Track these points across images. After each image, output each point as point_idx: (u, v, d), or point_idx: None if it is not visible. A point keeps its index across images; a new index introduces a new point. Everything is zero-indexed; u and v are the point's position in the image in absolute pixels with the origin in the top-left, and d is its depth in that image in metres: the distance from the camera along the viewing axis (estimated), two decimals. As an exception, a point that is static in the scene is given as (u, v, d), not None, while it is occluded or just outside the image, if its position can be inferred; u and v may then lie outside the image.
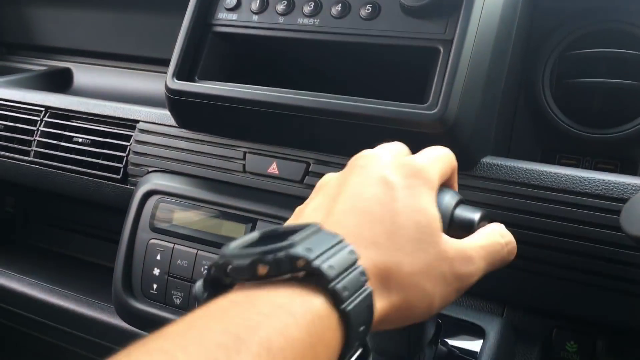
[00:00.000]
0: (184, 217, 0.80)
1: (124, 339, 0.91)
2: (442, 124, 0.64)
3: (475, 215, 0.47)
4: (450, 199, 0.47)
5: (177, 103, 0.79)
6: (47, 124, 0.97)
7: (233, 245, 0.37)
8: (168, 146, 0.86)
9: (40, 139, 0.96)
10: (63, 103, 0.96)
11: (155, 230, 0.81)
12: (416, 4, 0.69)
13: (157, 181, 0.83)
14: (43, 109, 0.98)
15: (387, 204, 0.42)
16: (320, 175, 0.75)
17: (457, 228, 0.46)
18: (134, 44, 1.19)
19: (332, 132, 0.72)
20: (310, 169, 0.76)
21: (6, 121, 1.00)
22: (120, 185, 0.90)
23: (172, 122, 0.86)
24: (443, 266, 0.41)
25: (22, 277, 1.06)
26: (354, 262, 0.36)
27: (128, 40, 1.19)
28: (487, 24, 0.68)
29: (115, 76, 1.21)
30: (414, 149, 0.50)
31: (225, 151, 0.82)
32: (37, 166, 0.96)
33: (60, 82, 1.23)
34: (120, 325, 0.91)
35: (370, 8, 0.72)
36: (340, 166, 0.74)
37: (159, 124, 0.87)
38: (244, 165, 0.80)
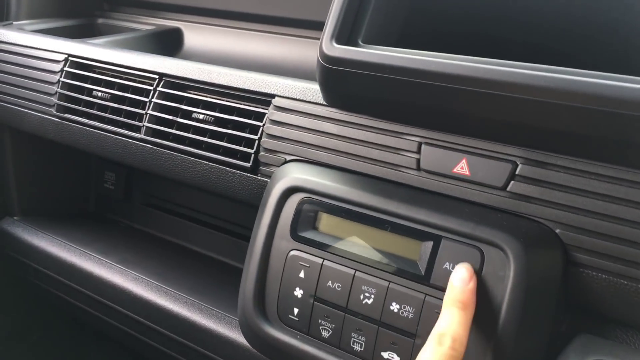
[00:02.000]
0: (339, 226, 0.61)
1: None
2: None
3: None
4: None
5: (334, 75, 0.60)
6: (162, 95, 0.80)
7: None
8: (313, 129, 0.67)
9: (154, 112, 0.80)
10: (180, 70, 0.79)
11: (298, 239, 0.62)
12: None
13: (299, 175, 0.65)
14: (157, 76, 0.81)
15: None
16: (532, 180, 0.54)
17: None
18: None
19: (556, 121, 0.51)
20: (517, 172, 0.55)
21: (113, 89, 0.85)
22: (250, 175, 0.72)
23: (319, 98, 0.67)
24: None
25: (124, 269, 0.92)
26: None
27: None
28: None
29: (232, 38, 1.03)
30: None
31: (393, 140, 0.62)
32: (148, 145, 0.80)
33: (170, 43, 1.07)
34: (242, 343, 0.75)
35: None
36: (561, 169, 0.52)
37: (302, 101, 0.68)
38: (418, 161, 0.60)
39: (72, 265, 0.95)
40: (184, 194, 1.06)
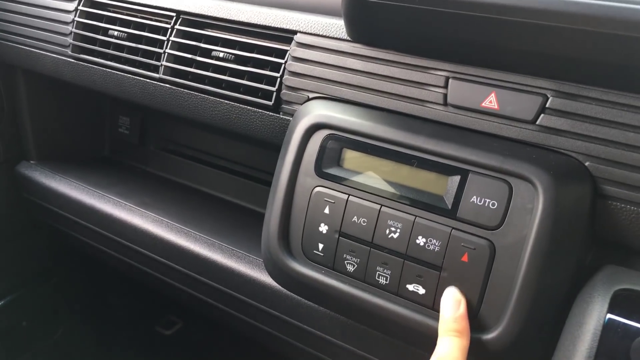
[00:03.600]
0: (364, 162, 0.61)
1: (276, 300, 0.76)
2: None
3: None
4: None
5: (361, 7, 0.58)
6: (180, 34, 0.79)
7: None
8: (337, 66, 0.66)
9: (172, 51, 0.79)
10: (198, 7, 0.78)
11: (323, 175, 0.62)
12: None
13: (323, 112, 0.64)
14: (174, 14, 0.80)
15: None
16: (562, 113, 0.54)
17: None
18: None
19: (587, 50, 0.50)
20: (547, 105, 0.54)
21: (129, 28, 0.83)
22: (272, 114, 0.71)
23: (343, 33, 0.66)
24: None
25: (144, 211, 0.92)
26: None
27: None
28: None
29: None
30: None
31: (419, 75, 0.61)
32: (167, 85, 0.80)
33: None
34: (264, 281, 0.76)
35: None
36: (592, 101, 0.52)
37: (324, 37, 0.67)
38: (444, 96, 0.59)
39: (91, 208, 0.96)
40: (200, 138, 1.05)
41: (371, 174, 0.60)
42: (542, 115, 0.55)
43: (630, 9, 0.45)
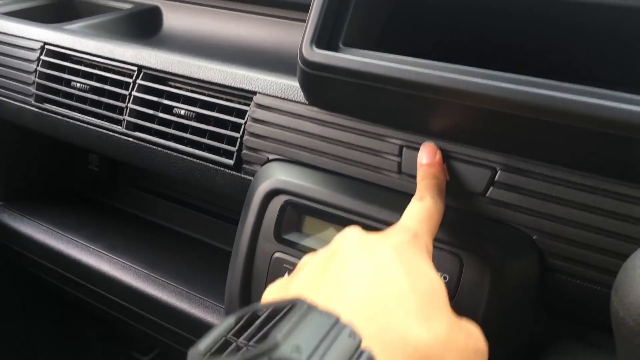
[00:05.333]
0: (322, 228, 0.62)
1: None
2: None
3: None
4: None
5: (314, 79, 0.59)
6: (142, 89, 0.79)
7: (204, 347, 0.30)
8: (295, 129, 0.66)
9: (134, 106, 0.79)
10: (159, 62, 0.78)
11: (282, 241, 0.63)
12: None
13: (283, 177, 0.65)
14: (136, 68, 0.80)
15: (388, 271, 0.37)
16: (511, 187, 0.55)
17: None
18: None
19: (533, 134, 0.51)
20: (496, 178, 0.56)
21: (92, 80, 0.83)
22: (233, 173, 0.72)
23: (301, 96, 0.66)
24: (460, 338, 0.37)
25: (112, 257, 0.92)
26: (357, 348, 0.30)
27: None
28: None
29: (213, 18, 1.01)
30: None
31: (374, 143, 0.62)
32: (130, 139, 0.80)
33: (149, 24, 1.04)
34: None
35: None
36: (539, 176, 0.53)
37: (283, 99, 0.68)
38: (399, 164, 0.61)
39: (59, 253, 0.96)
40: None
41: (329, 240, 0.61)
42: (491, 188, 0.56)
43: (556, 97, 0.47)
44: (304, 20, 0.60)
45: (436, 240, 0.55)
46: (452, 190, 0.57)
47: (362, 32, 0.60)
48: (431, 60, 0.54)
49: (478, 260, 0.54)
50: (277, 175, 0.65)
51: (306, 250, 0.62)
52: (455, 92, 0.51)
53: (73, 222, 1.03)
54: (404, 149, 0.60)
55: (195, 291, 0.85)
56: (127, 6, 1.08)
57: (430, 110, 0.55)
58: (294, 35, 0.92)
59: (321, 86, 0.60)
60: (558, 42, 0.58)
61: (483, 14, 0.60)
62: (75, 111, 0.85)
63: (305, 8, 0.60)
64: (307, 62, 0.58)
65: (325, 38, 0.58)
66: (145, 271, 0.89)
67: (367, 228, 0.58)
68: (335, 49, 0.58)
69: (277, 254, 0.63)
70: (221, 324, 0.32)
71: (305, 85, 0.62)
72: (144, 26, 1.03)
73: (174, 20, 1.05)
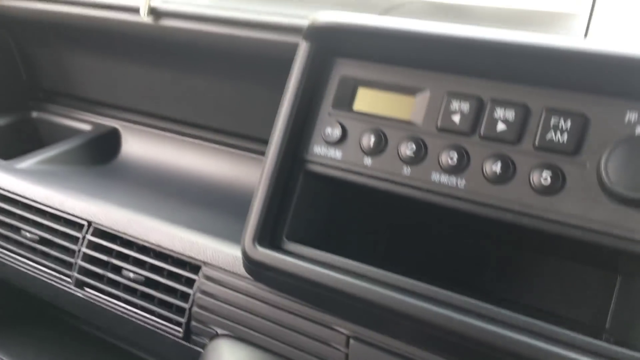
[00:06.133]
0: None
1: None
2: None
3: None
4: None
5: (257, 272, 0.58)
6: (91, 245, 0.77)
7: None
8: (244, 307, 0.65)
9: (83, 263, 0.77)
10: (109, 218, 0.76)
11: None
12: (638, 194, 0.44)
13: (229, 357, 0.63)
14: (85, 223, 0.78)
15: None
16: None
17: None
18: (193, 108, 0.97)
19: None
20: (442, 381, 0.55)
21: (41, 231, 0.82)
22: (184, 343, 0.70)
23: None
24: None
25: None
26: None
27: (186, 104, 0.98)
28: None
29: (170, 145, 1.00)
30: None
31: (322, 331, 0.61)
32: (78, 294, 0.78)
33: (107, 149, 1.03)
34: None
35: (549, 177, 0.48)
36: None
37: (232, 273, 0.67)
38: (346, 356, 0.59)
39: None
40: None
41: None
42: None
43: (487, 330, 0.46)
44: (261, 153, 0.59)
45: None
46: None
47: (306, 227, 0.59)
48: (366, 266, 0.53)
49: None
50: (224, 356, 0.64)
51: None
52: (387, 310, 0.50)
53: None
54: (351, 341, 0.59)
55: None
56: (87, 127, 1.07)
57: (365, 314, 0.54)
58: (250, 168, 0.91)
59: (263, 278, 0.59)
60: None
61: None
62: (25, 259, 0.83)
63: (262, 142, 0.60)
64: (249, 259, 0.57)
65: (268, 233, 0.58)
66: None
67: None
68: (278, 244, 0.58)
69: None
70: None
71: (250, 274, 0.61)
72: (102, 152, 1.02)
73: (132, 144, 1.04)
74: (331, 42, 0.59)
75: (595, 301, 0.58)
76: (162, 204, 0.84)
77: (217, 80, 0.92)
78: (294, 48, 0.60)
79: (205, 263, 0.68)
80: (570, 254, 0.56)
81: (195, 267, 0.70)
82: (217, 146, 0.96)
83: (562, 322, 0.53)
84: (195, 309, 0.68)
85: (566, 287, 0.59)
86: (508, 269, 0.62)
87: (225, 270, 0.67)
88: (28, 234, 0.82)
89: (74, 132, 1.06)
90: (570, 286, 0.59)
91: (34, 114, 1.13)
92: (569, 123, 0.49)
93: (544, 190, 0.48)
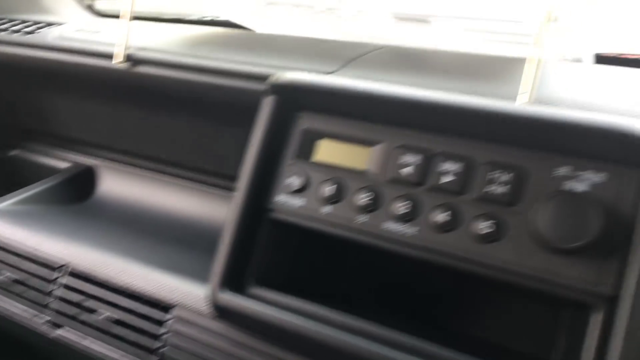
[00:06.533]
0: None
1: None
2: None
3: None
4: None
5: (225, 316, 0.61)
6: (66, 286, 0.80)
7: None
8: (216, 347, 0.68)
9: (57, 304, 0.79)
10: (85, 259, 0.79)
11: None
12: (569, 245, 0.49)
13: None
14: (61, 264, 0.81)
15: None
16: None
17: None
18: (167, 147, 1.01)
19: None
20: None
21: (16, 272, 0.84)
22: (156, 382, 0.73)
23: (217, 314, 0.68)
24: None
25: None
26: None
27: (160, 142, 1.01)
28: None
29: (146, 184, 1.03)
30: None
31: (288, 370, 0.64)
32: (53, 335, 0.80)
33: (82, 189, 1.05)
34: None
35: (492, 226, 0.53)
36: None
37: (202, 314, 0.69)
38: (313, 395, 0.62)
39: None
40: None
41: None
42: None
43: None
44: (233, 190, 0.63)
45: None
46: None
47: (272, 270, 0.63)
48: (324, 308, 0.57)
49: None
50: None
51: None
52: (338, 351, 0.54)
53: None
54: None
55: None
56: (64, 164, 1.10)
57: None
58: (223, 206, 0.94)
59: (232, 320, 0.62)
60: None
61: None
62: (-1, 298, 0.85)
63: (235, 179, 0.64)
64: (215, 305, 0.60)
65: (233, 278, 0.61)
66: None
67: None
68: (243, 288, 0.61)
69: None
70: None
71: (218, 316, 0.64)
72: (78, 190, 1.05)
73: (108, 182, 1.07)
74: (293, 98, 0.63)
75: (541, 333, 0.62)
76: (136, 244, 0.87)
77: (189, 121, 0.95)
78: (259, 94, 0.64)
79: (176, 304, 0.71)
80: (513, 296, 0.60)
81: (166, 308, 0.72)
82: (191, 183, 0.99)
83: (509, 355, 0.57)
84: (167, 349, 0.71)
85: (514, 320, 0.63)
86: (461, 302, 0.66)
87: (195, 310, 0.70)
88: (1, 276, 0.84)
89: (51, 170, 1.09)
90: (517, 319, 0.63)
91: (13, 152, 1.15)
92: (508, 176, 0.53)
93: (484, 239, 0.53)
